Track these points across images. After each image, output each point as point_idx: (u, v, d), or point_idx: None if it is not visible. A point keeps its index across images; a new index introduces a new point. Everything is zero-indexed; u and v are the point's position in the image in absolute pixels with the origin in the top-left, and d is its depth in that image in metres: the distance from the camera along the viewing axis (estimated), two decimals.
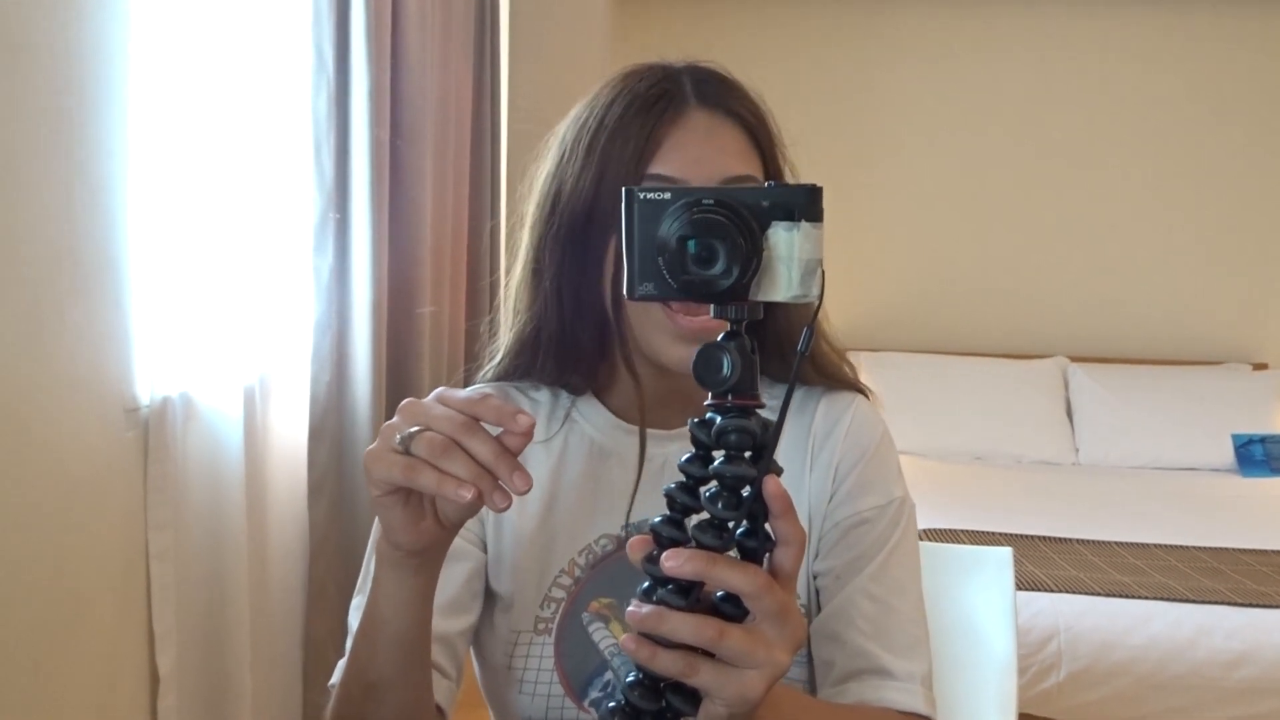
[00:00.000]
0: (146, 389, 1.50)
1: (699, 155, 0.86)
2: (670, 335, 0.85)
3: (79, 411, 1.36)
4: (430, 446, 0.63)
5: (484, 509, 0.92)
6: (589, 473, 0.94)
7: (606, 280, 0.87)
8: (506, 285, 0.97)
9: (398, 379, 2.13)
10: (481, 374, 0.99)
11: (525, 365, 0.94)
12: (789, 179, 0.91)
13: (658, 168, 0.86)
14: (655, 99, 0.87)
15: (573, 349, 0.91)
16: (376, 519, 0.73)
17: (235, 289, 1.70)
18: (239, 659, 1.68)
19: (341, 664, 0.82)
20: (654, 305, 0.84)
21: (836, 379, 0.96)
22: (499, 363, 0.96)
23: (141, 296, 1.47)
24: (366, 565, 0.86)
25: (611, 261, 0.86)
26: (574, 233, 0.88)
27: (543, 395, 0.97)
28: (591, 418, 0.95)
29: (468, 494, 0.61)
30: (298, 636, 1.95)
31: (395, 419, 0.66)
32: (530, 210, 0.93)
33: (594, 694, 0.89)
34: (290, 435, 1.90)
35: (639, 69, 0.91)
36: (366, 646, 0.75)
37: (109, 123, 1.39)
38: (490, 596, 0.94)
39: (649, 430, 0.93)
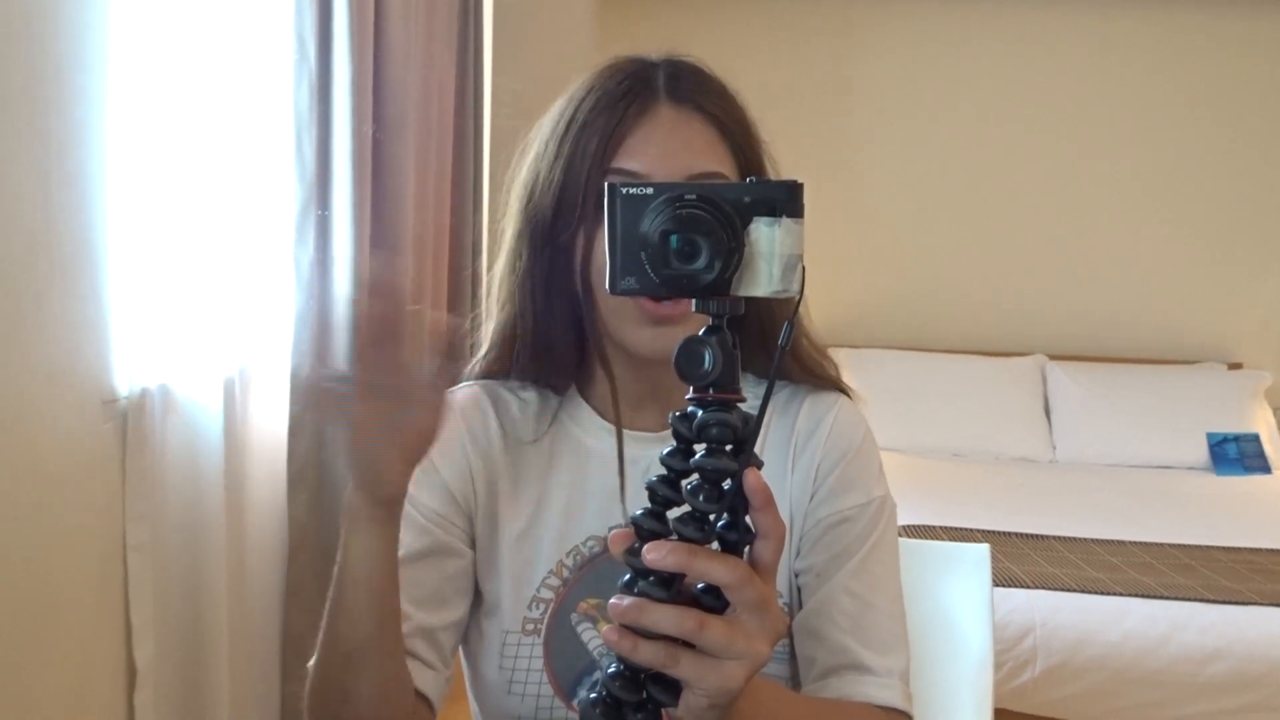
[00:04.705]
0: (125, 380, 1.49)
1: (664, 150, 0.86)
2: (638, 320, 0.86)
3: (56, 403, 1.35)
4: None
5: (472, 506, 0.93)
6: (576, 474, 0.94)
7: (576, 273, 0.88)
8: (490, 278, 0.97)
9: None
10: (468, 369, 0.99)
11: (507, 359, 0.94)
12: (770, 175, 0.92)
13: (622, 162, 0.86)
14: (624, 93, 0.87)
15: (547, 343, 0.92)
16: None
17: (215, 280, 1.69)
18: (217, 652, 1.67)
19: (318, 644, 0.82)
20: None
21: (818, 375, 0.96)
22: (483, 356, 0.97)
23: (120, 287, 1.46)
24: None
25: (580, 254, 0.87)
26: (544, 226, 0.89)
27: (530, 395, 0.97)
28: (578, 418, 0.96)
29: None
30: (276, 630, 1.95)
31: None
32: (511, 202, 0.94)
33: (583, 693, 0.90)
34: (270, 428, 1.90)
35: (617, 63, 0.91)
36: (342, 617, 0.76)
37: (87, 111, 1.38)
38: (478, 597, 0.94)
39: (633, 432, 0.94)
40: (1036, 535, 2.74)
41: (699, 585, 0.60)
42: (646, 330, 0.86)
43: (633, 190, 0.61)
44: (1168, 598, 2.29)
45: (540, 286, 0.90)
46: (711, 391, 0.61)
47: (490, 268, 0.97)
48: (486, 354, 0.96)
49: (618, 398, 0.92)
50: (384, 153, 2.08)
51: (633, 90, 0.87)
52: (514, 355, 0.94)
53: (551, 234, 0.88)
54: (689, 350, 0.60)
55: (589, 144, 0.86)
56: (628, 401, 0.95)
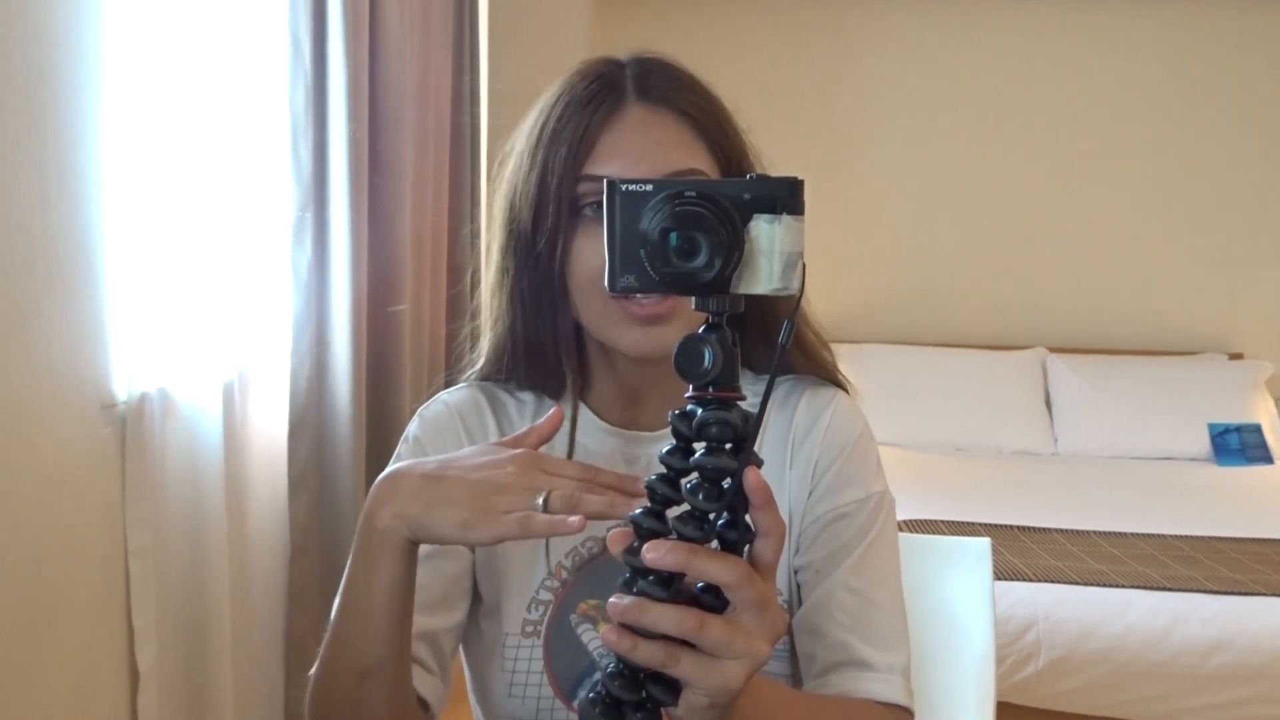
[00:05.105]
0: (124, 385, 1.49)
1: (637, 152, 0.84)
2: (626, 322, 0.85)
3: (56, 408, 1.35)
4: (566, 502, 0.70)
5: None
6: None
7: (556, 282, 0.87)
8: (480, 296, 0.97)
9: (378, 374, 2.12)
10: (466, 377, 0.99)
11: (506, 369, 0.94)
12: (756, 168, 0.91)
13: (594, 168, 0.84)
14: (590, 97, 0.86)
15: (540, 354, 0.92)
16: (363, 518, 0.74)
17: (213, 283, 1.68)
18: (220, 655, 1.67)
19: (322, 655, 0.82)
20: (604, 296, 0.84)
21: (819, 363, 0.96)
22: (480, 369, 0.97)
23: (118, 291, 1.46)
24: None
25: (558, 263, 0.86)
26: (526, 238, 0.88)
27: (528, 396, 0.97)
28: (576, 419, 0.95)
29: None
30: (279, 632, 1.94)
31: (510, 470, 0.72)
32: (494, 216, 0.93)
33: (583, 694, 0.90)
34: (270, 431, 1.89)
35: (585, 66, 0.90)
36: (361, 636, 0.76)
37: (83, 113, 1.38)
38: (477, 599, 0.94)
39: (631, 432, 0.94)
40: (1038, 528, 2.74)
41: (699, 584, 0.60)
42: (635, 331, 0.85)
43: (632, 187, 0.61)
44: (1170, 589, 2.29)
45: (529, 298, 0.90)
46: (711, 390, 0.60)
47: (485, 278, 0.97)
48: (483, 367, 0.96)
49: (568, 385, 0.93)
50: (381, 153, 2.08)
51: (599, 94, 0.86)
52: (512, 365, 0.93)
53: (533, 245, 0.88)
54: (689, 348, 0.60)
55: (559, 153, 0.85)
56: (626, 400, 0.94)
